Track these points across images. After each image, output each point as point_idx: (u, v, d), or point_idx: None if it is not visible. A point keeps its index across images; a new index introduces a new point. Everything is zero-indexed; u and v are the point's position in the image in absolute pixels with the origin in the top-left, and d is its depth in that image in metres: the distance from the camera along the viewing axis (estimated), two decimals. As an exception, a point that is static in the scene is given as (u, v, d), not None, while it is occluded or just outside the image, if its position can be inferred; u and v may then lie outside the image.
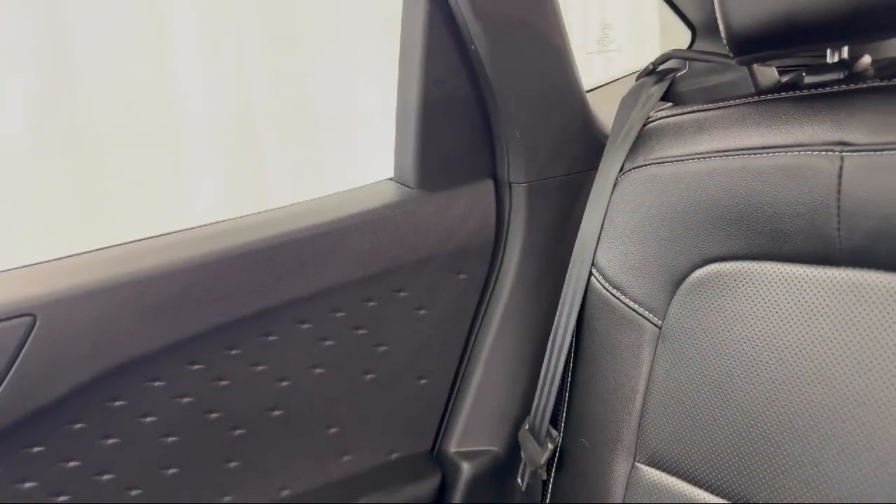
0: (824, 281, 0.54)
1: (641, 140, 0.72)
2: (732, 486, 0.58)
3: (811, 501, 0.52)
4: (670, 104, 0.76)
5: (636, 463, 0.67)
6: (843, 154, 0.52)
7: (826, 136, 0.54)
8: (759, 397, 0.57)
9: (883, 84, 0.54)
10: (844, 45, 0.57)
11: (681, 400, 0.63)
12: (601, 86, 0.97)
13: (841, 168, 0.52)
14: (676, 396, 0.64)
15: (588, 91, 0.91)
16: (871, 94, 0.54)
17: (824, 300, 0.54)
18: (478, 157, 0.84)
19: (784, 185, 0.56)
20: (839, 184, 0.52)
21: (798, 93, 0.60)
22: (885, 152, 0.50)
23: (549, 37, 0.80)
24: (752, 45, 0.57)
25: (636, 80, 0.79)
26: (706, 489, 0.61)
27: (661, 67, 0.77)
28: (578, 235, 0.75)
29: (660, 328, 0.67)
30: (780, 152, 0.57)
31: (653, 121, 0.73)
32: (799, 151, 0.55)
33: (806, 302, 0.55)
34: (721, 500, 0.59)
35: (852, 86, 0.56)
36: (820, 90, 0.59)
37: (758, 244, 0.59)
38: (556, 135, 0.83)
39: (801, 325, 0.55)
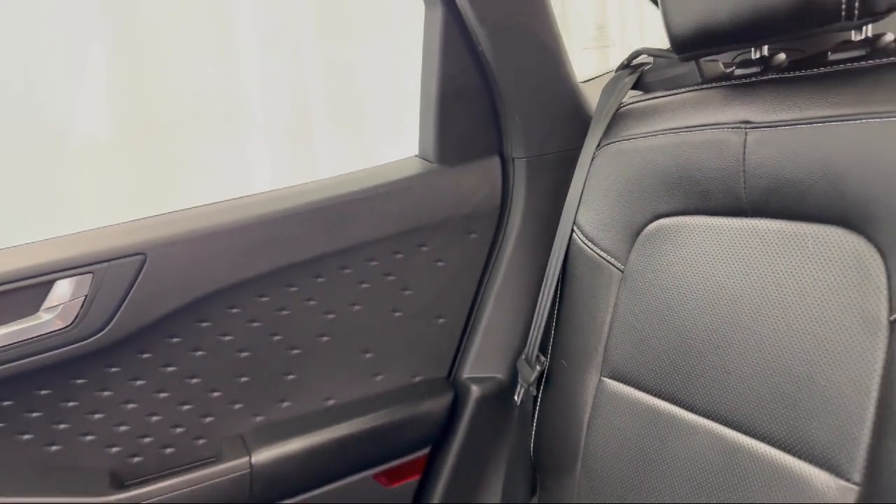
0: (736, 228, 0.70)
1: (615, 121, 0.88)
2: (671, 391, 0.74)
3: (721, 397, 0.68)
4: (640, 92, 0.91)
5: (602, 377, 0.83)
6: (747, 130, 0.68)
7: (737, 117, 0.70)
8: (690, 321, 0.73)
9: (782, 76, 0.69)
10: (759, 45, 0.72)
11: (635, 326, 0.80)
12: (596, 77, 1.13)
13: (745, 141, 0.68)
14: (632, 324, 0.80)
15: (585, 81, 1.07)
16: (773, 83, 0.69)
17: (736, 243, 0.69)
18: (486, 138, 1.02)
19: (708, 155, 0.72)
20: (744, 153, 0.68)
21: (726, 83, 0.75)
22: (776, 128, 0.66)
23: (544, 37, 0.96)
24: (687, 46, 0.73)
25: (615, 72, 0.95)
26: (653, 394, 0.77)
27: (634, 62, 0.93)
28: (566, 200, 0.91)
29: (622, 272, 0.83)
30: (707, 129, 0.72)
31: (624, 106, 0.89)
32: (719, 129, 0.71)
33: (723, 245, 0.71)
34: (663, 402, 0.75)
35: (763, 77, 0.71)
36: (743, 80, 0.74)
37: (691, 202, 0.75)
38: (550, 118, 1.00)
39: (720, 262, 0.71)
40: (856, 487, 0.54)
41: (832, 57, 0.66)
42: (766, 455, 0.62)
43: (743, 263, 0.68)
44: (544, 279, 0.92)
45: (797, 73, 0.68)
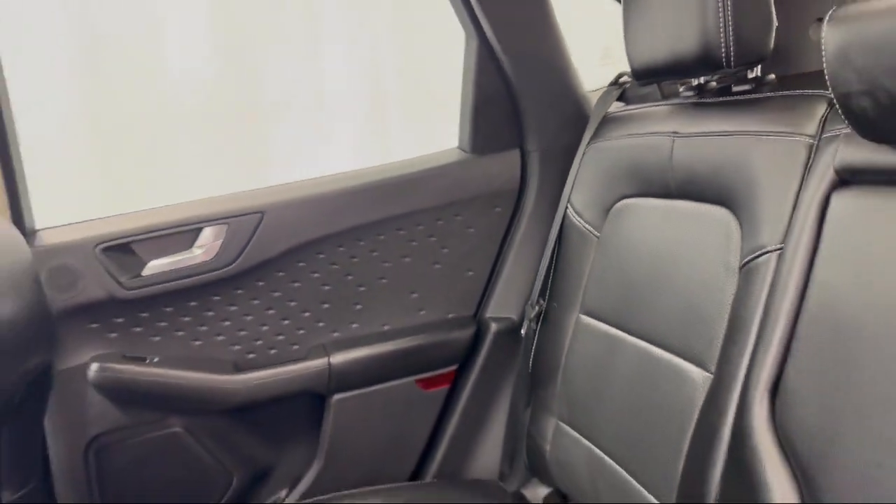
0: (665, 207, 0.98)
1: (601, 126, 1.17)
2: (620, 321, 1.03)
3: (649, 324, 0.97)
4: (623, 104, 1.19)
5: (579, 314, 1.13)
6: (674, 138, 0.96)
7: (670, 128, 0.98)
8: (635, 272, 1.01)
9: (702, 101, 0.97)
10: (694, 77, 0.99)
11: (602, 277, 1.09)
12: (601, 88, 1.40)
13: (672, 146, 0.96)
14: (601, 275, 1.10)
15: (593, 91, 1.35)
16: (696, 106, 0.97)
17: (665, 217, 0.98)
18: (509, 134, 1.32)
19: (650, 154, 1.00)
20: (671, 154, 0.96)
21: (668, 103, 1.03)
22: (692, 138, 0.93)
23: (554, 57, 1.26)
24: (641, 76, 1.01)
25: (608, 86, 1.23)
26: (609, 324, 1.06)
27: (620, 80, 1.21)
28: (565, 184, 1.21)
29: (598, 238, 1.12)
30: (651, 136, 1.01)
31: (610, 114, 1.17)
32: (658, 136, 0.99)
33: (658, 218, 0.99)
34: (614, 329, 1.04)
35: (689, 101, 0.99)
36: (683, 101, 1.01)
37: (641, 188, 1.03)
38: (558, 120, 1.29)
39: (655, 230, 0.99)
40: (711, 376, 0.83)
41: (735, 88, 0.93)
42: (670, 360, 0.91)
43: (668, 230, 0.97)
44: (547, 244, 1.23)
45: (711, 100, 0.95)
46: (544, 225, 1.31)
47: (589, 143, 1.18)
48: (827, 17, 0.61)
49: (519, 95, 1.28)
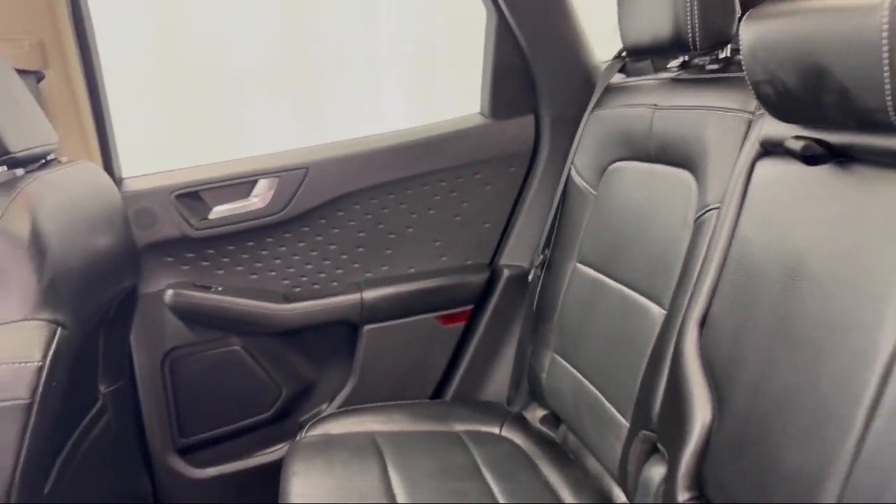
0: (646, 170, 1.12)
1: (604, 95, 1.30)
2: (605, 268, 1.18)
3: (627, 270, 1.12)
4: (624, 76, 1.32)
5: (576, 263, 1.29)
6: (655, 110, 1.09)
7: (653, 101, 1.11)
8: (619, 225, 1.16)
9: (679, 76, 1.09)
10: (669, 56, 1.11)
11: (595, 230, 1.24)
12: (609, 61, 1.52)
13: (652, 116, 1.09)
14: (595, 227, 1.25)
15: (605, 62, 1.47)
16: (675, 81, 1.10)
17: (644, 178, 1.12)
18: (524, 101, 1.47)
19: (637, 123, 1.13)
20: (651, 124, 1.09)
21: (659, 76, 1.15)
22: (667, 110, 1.06)
23: (566, 32, 1.39)
24: (631, 53, 1.14)
25: (612, 60, 1.35)
26: (596, 270, 1.21)
27: (623, 55, 1.33)
28: (571, 147, 1.35)
29: (595, 196, 1.27)
30: (637, 107, 1.14)
31: (612, 85, 1.30)
32: (642, 107, 1.12)
33: (639, 179, 1.13)
34: (600, 275, 1.19)
35: (669, 76, 1.11)
36: (667, 76, 1.14)
37: (629, 152, 1.17)
38: (569, 89, 1.43)
39: (636, 190, 1.13)
40: (665, 312, 0.98)
41: (708, 67, 1.05)
42: (638, 300, 1.07)
43: (646, 190, 1.11)
44: (554, 199, 1.38)
45: (686, 77, 1.08)
46: (553, 183, 1.45)
47: (592, 111, 1.31)
48: (745, 16, 0.74)
49: (533, 67, 1.42)
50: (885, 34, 0.57)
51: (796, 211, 0.74)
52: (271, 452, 1.49)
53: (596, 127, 1.29)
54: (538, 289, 1.40)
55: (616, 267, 1.16)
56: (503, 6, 1.36)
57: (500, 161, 1.49)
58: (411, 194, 1.48)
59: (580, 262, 1.28)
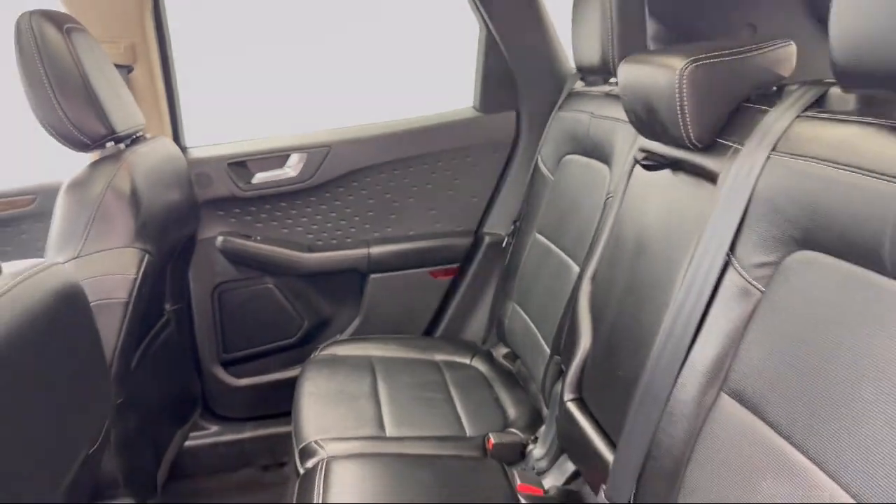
0: (584, 162, 1.41)
1: (566, 99, 1.59)
2: (552, 237, 1.50)
3: (564, 236, 1.43)
4: (583, 83, 1.60)
5: (535, 233, 1.60)
6: (591, 117, 1.38)
7: (591, 109, 1.40)
8: (565, 203, 1.47)
9: (611, 93, 1.38)
10: (598, 76, 1.39)
11: (550, 205, 1.55)
12: (586, 66, 1.80)
13: (590, 122, 1.39)
14: (549, 203, 1.56)
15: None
16: (609, 96, 1.38)
17: (584, 168, 1.41)
18: (508, 99, 1.77)
19: (580, 125, 1.43)
20: (589, 127, 1.39)
21: (602, 89, 1.44)
22: (599, 119, 1.36)
23: (543, 44, 1.68)
24: (580, 70, 1.43)
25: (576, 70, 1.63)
26: (547, 239, 1.53)
27: (585, 67, 1.61)
28: (541, 138, 1.65)
29: (553, 180, 1.57)
30: (582, 113, 1.43)
31: (573, 91, 1.59)
32: (585, 114, 1.42)
33: (579, 169, 1.43)
34: (549, 243, 1.51)
35: (609, 90, 1.40)
36: (605, 90, 1.42)
37: (575, 148, 1.47)
38: (543, 92, 1.72)
39: (578, 176, 1.43)
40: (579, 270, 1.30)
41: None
42: (568, 262, 1.38)
43: (583, 177, 1.41)
44: (528, 181, 1.69)
45: (615, 93, 1.36)
46: (528, 168, 1.76)
47: (556, 111, 1.61)
48: (622, 61, 1.03)
49: (515, 72, 1.71)
50: (677, 86, 0.87)
51: (647, 201, 1.05)
52: (294, 369, 1.86)
53: (557, 125, 1.59)
54: (509, 252, 1.72)
55: (559, 237, 1.47)
56: (489, 23, 1.66)
57: (487, 147, 1.80)
58: (413, 171, 1.81)
59: (538, 233, 1.59)
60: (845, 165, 0.67)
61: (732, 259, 0.81)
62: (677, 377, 0.85)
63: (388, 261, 1.82)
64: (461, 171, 1.82)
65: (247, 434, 1.86)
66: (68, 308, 0.75)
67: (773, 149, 0.78)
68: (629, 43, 1.24)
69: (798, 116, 0.78)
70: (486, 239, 1.84)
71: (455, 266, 1.86)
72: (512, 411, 1.46)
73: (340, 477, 1.14)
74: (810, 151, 0.73)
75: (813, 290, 0.70)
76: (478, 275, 1.86)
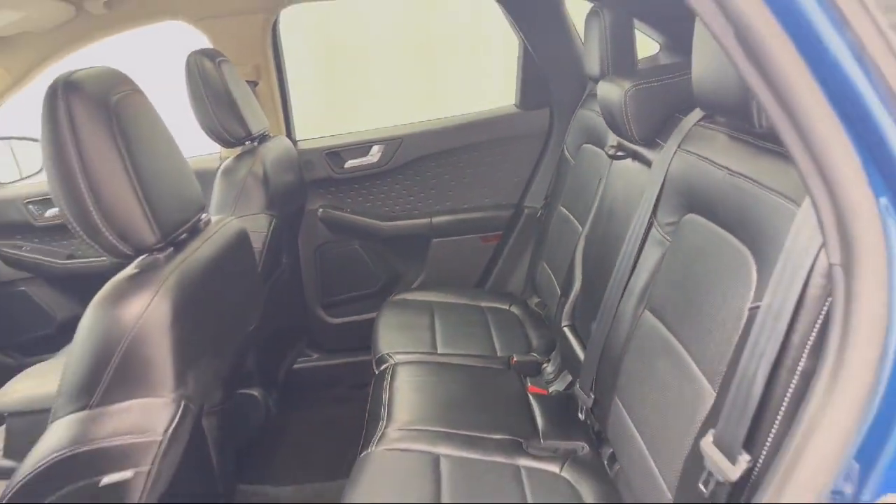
0: (596, 151, 1.78)
1: (585, 99, 1.95)
2: (569, 208, 1.88)
3: (576, 209, 1.81)
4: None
5: (560, 206, 1.99)
6: (597, 114, 1.75)
7: (599, 108, 1.77)
8: (581, 180, 1.85)
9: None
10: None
11: (571, 184, 1.94)
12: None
13: (599, 117, 1.75)
14: (571, 182, 1.94)
15: (603, 72, 2.11)
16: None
17: (595, 156, 1.78)
18: (543, 99, 2.15)
19: (594, 121, 1.80)
20: (599, 122, 1.76)
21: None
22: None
23: (569, 52, 2.04)
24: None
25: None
26: (566, 209, 1.91)
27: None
28: (566, 130, 2.03)
29: (573, 165, 1.95)
30: (594, 111, 1.80)
31: (591, 93, 1.95)
32: (596, 112, 1.78)
33: (593, 155, 1.80)
34: (567, 213, 1.89)
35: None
36: (613, 94, 1.78)
37: (591, 139, 1.84)
38: (571, 92, 2.08)
39: (590, 161, 1.80)
40: (581, 229, 1.68)
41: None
42: (576, 225, 1.77)
43: (594, 163, 1.78)
44: (556, 165, 2.08)
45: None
46: (557, 155, 2.14)
47: (578, 108, 1.97)
48: (600, 81, 1.40)
49: (548, 76, 2.09)
50: (623, 102, 1.24)
51: (617, 180, 1.42)
52: (374, 312, 2.36)
53: (578, 120, 1.96)
54: (542, 223, 2.12)
55: (574, 208, 1.85)
56: (524, 37, 2.04)
57: (527, 138, 2.20)
58: (466, 157, 2.23)
59: (561, 205, 1.97)
60: (712, 161, 1.04)
61: (654, 220, 1.19)
62: (621, 299, 1.25)
63: (447, 228, 2.27)
64: (505, 157, 2.22)
65: (339, 360, 2.37)
66: (242, 242, 1.22)
67: (679, 146, 1.15)
68: (620, 58, 1.60)
69: (695, 124, 1.14)
70: (525, 211, 2.24)
71: (499, 233, 2.28)
72: (535, 342, 1.88)
73: (402, 375, 1.61)
74: (696, 149, 1.10)
75: (694, 241, 1.07)
76: (517, 240, 2.27)
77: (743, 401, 0.77)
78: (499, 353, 1.80)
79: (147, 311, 0.86)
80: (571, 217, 1.83)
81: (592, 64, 1.70)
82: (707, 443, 0.82)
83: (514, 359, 1.73)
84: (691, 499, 0.85)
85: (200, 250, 1.01)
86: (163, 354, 0.88)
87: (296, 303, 2.26)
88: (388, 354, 1.74)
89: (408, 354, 1.73)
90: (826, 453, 0.61)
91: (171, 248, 0.97)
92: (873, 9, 0.55)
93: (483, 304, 2.12)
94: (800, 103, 0.58)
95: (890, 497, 0.61)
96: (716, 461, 0.79)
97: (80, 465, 0.79)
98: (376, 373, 1.70)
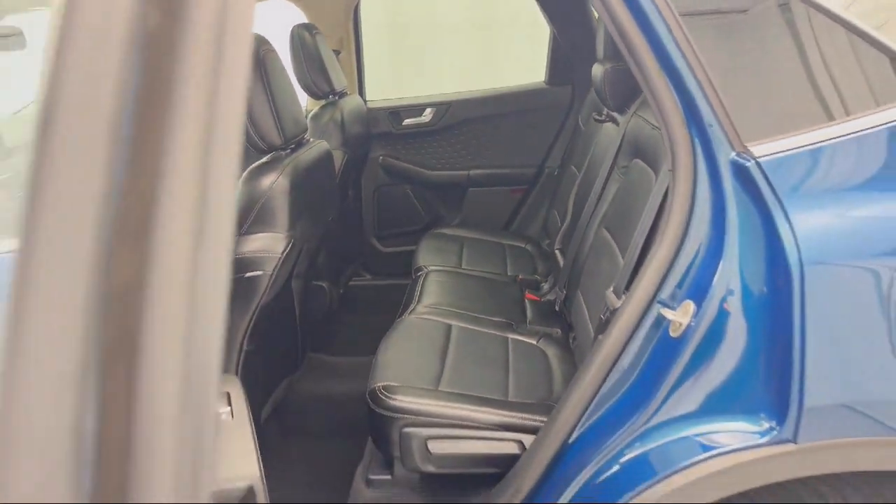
0: (598, 123, 2.21)
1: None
2: (578, 167, 2.32)
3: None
4: (611, 70, 2.37)
5: (571, 166, 2.42)
6: (602, 92, 2.17)
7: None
8: (586, 144, 2.28)
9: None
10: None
11: (580, 148, 2.37)
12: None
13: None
14: (580, 147, 2.37)
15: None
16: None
17: (598, 127, 2.21)
18: (566, 77, 2.58)
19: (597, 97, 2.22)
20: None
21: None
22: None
23: (589, 39, 2.45)
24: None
25: (610, 61, 2.40)
26: (577, 169, 2.35)
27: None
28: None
29: (584, 132, 2.38)
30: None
31: (604, 75, 2.37)
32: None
33: (597, 126, 2.23)
34: (577, 171, 2.33)
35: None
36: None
37: (597, 113, 2.26)
38: (588, 68, 2.50)
39: (596, 131, 2.23)
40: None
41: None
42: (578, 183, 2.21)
43: (598, 131, 2.21)
44: (572, 132, 2.51)
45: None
46: (575, 124, 2.56)
47: (592, 87, 2.39)
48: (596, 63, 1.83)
49: (572, 59, 2.51)
50: (602, 79, 1.68)
51: (603, 139, 1.86)
52: (417, 245, 2.86)
53: (591, 95, 2.38)
54: (557, 180, 2.56)
55: (578, 165, 2.28)
56: (552, 25, 2.46)
57: (552, 108, 2.63)
58: (502, 123, 2.68)
59: (573, 166, 2.41)
60: (646, 120, 1.47)
61: (615, 166, 1.64)
62: (588, 222, 1.70)
63: (481, 180, 2.74)
64: (533, 124, 2.67)
65: (388, 282, 2.89)
66: (328, 156, 1.73)
67: (635, 112, 1.58)
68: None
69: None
70: (546, 170, 2.69)
71: (524, 187, 2.74)
72: (540, 269, 2.34)
73: (432, 277, 2.10)
74: (643, 113, 1.53)
75: (635, 176, 1.51)
76: (538, 193, 2.72)
77: (630, 260, 1.22)
78: (509, 273, 2.27)
79: (275, 182, 1.37)
80: (576, 172, 2.27)
81: (600, 48, 2.12)
82: (608, 292, 1.27)
83: (520, 276, 2.20)
84: (601, 329, 1.31)
85: (305, 154, 1.54)
86: (283, 208, 1.37)
87: (356, 229, 2.79)
88: (423, 266, 2.24)
89: (439, 266, 2.23)
90: (654, 279, 1.06)
91: (290, 150, 1.49)
92: (674, 7, 0.98)
93: (505, 241, 2.59)
94: (650, 77, 1.01)
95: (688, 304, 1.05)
96: (611, 300, 1.25)
97: (233, 266, 1.34)
98: (414, 277, 2.21)
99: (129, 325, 0.40)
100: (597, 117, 1.89)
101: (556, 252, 2.04)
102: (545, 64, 2.65)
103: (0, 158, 2.04)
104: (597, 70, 1.78)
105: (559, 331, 1.84)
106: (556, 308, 1.87)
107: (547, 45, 2.62)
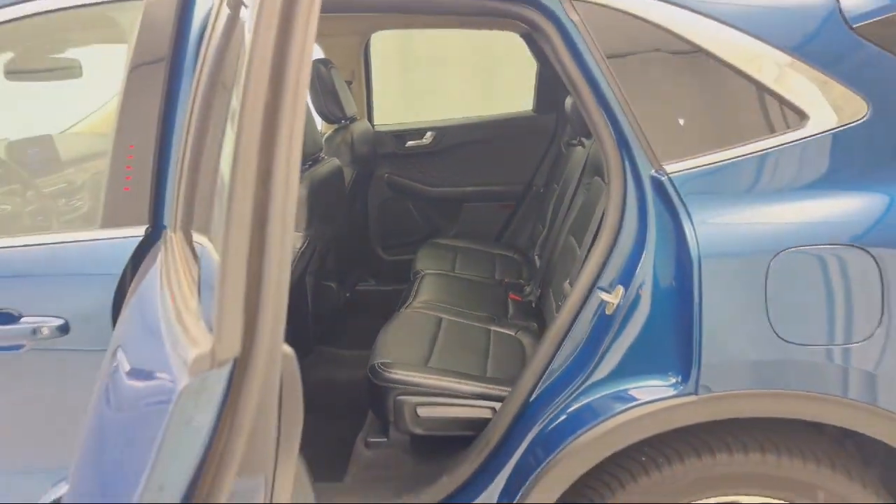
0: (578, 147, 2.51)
1: (578, 109, 2.68)
2: (555, 184, 2.61)
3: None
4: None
5: (554, 184, 2.71)
6: (579, 120, 2.47)
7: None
8: (566, 162, 2.57)
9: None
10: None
11: (561, 167, 2.66)
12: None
13: (578, 123, 2.48)
14: (560, 166, 2.67)
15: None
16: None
17: (580, 149, 2.51)
18: (551, 107, 2.89)
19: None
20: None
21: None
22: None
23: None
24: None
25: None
26: (556, 185, 2.64)
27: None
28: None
29: (565, 154, 2.67)
30: (578, 118, 2.52)
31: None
32: (578, 118, 2.51)
33: (577, 149, 2.52)
34: (557, 187, 2.62)
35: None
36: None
37: (583, 133, 2.56)
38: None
39: (575, 152, 2.53)
40: (560, 199, 2.41)
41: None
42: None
43: (580, 151, 2.51)
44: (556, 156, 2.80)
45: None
46: (559, 148, 2.86)
47: (572, 116, 2.70)
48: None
49: (557, 90, 2.82)
50: (570, 107, 1.97)
51: (573, 162, 2.15)
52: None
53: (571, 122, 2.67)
54: (542, 197, 2.85)
55: (559, 182, 2.57)
56: (538, 61, 2.77)
57: (538, 134, 2.94)
58: (495, 146, 2.99)
59: (555, 184, 2.69)
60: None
61: (580, 183, 1.92)
62: (560, 231, 1.98)
63: (475, 196, 3.03)
64: (521, 148, 2.96)
65: (391, 287, 3.17)
66: (338, 171, 2.04)
67: (597, 138, 1.87)
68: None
69: None
70: (533, 188, 2.98)
71: (513, 203, 3.03)
72: (525, 274, 2.62)
73: (427, 279, 2.39)
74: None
75: (594, 190, 1.80)
76: (526, 209, 3.01)
77: (582, 257, 1.50)
78: (496, 278, 2.54)
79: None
80: (556, 189, 2.56)
81: None
82: (566, 284, 1.55)
83: (506, 280, 2.47)
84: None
85: (320, 168, 1.84)
86: (300, 212, 1.69)
87: (362, 238, 3.08)
88: (420, 269, 2.52)
89: (434, 269, 2.51)
90: (594, 269, 1.34)
91: (308, 165, 1.79)
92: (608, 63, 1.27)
93: (495, 251, 2.87)
94: (592, 113, 1.30)
95: (619, 288, 1.32)
96: (567, 290, 1.52)
97: None
98: (412, 277, 2.49)
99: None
100: (570, 141, 2.19)
101: (536, 258, 2.32)
102: (532, 95, 2.95)
103: (56, 170, 2.34)
104: (567, 102, 2.07)
105: (535, 325, 2.11)
106: (534, 305, 2.15)
107: (534, 78, 2.93)
